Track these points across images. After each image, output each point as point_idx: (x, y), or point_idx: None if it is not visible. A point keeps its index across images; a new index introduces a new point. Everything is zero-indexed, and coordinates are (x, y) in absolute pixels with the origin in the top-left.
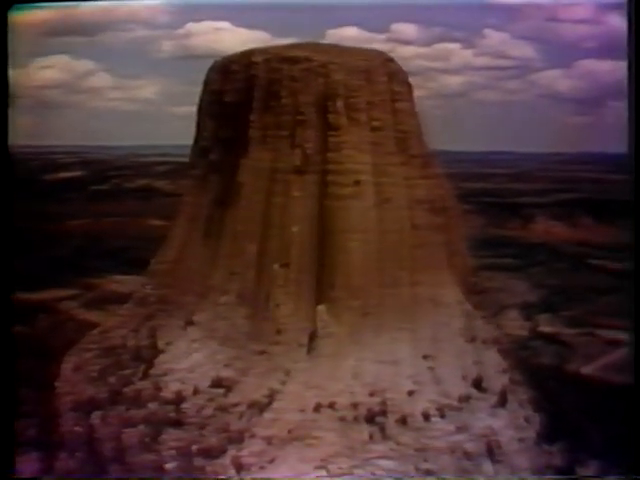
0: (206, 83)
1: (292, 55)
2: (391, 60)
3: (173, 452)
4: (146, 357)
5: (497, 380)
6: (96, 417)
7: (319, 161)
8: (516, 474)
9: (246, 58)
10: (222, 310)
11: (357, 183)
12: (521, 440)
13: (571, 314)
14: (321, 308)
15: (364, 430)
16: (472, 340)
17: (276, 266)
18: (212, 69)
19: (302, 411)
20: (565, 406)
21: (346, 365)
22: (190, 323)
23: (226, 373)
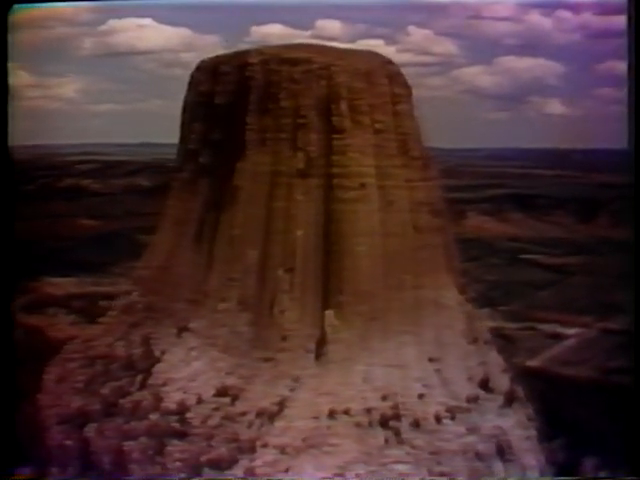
0: (191, 84)
1: (292, 57)
2: (390, 62)
3: (180, 464)
4: (141, 366)
5: (502, 380)
6: (90, 430)
7: (323, 164)
8: (526, 473)
9: (239, 59)
10: (221, 317)
11: (362, 186)
12: (528, 438)
13: (510, 309)
14: (329, 313)
15: (379, 435)
16: (474, 341)
17: (280, 271)
18: (198, 69)
19: (316, 418)
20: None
21: (356, 370)
22: (184, 330)
23: (230, 381)
